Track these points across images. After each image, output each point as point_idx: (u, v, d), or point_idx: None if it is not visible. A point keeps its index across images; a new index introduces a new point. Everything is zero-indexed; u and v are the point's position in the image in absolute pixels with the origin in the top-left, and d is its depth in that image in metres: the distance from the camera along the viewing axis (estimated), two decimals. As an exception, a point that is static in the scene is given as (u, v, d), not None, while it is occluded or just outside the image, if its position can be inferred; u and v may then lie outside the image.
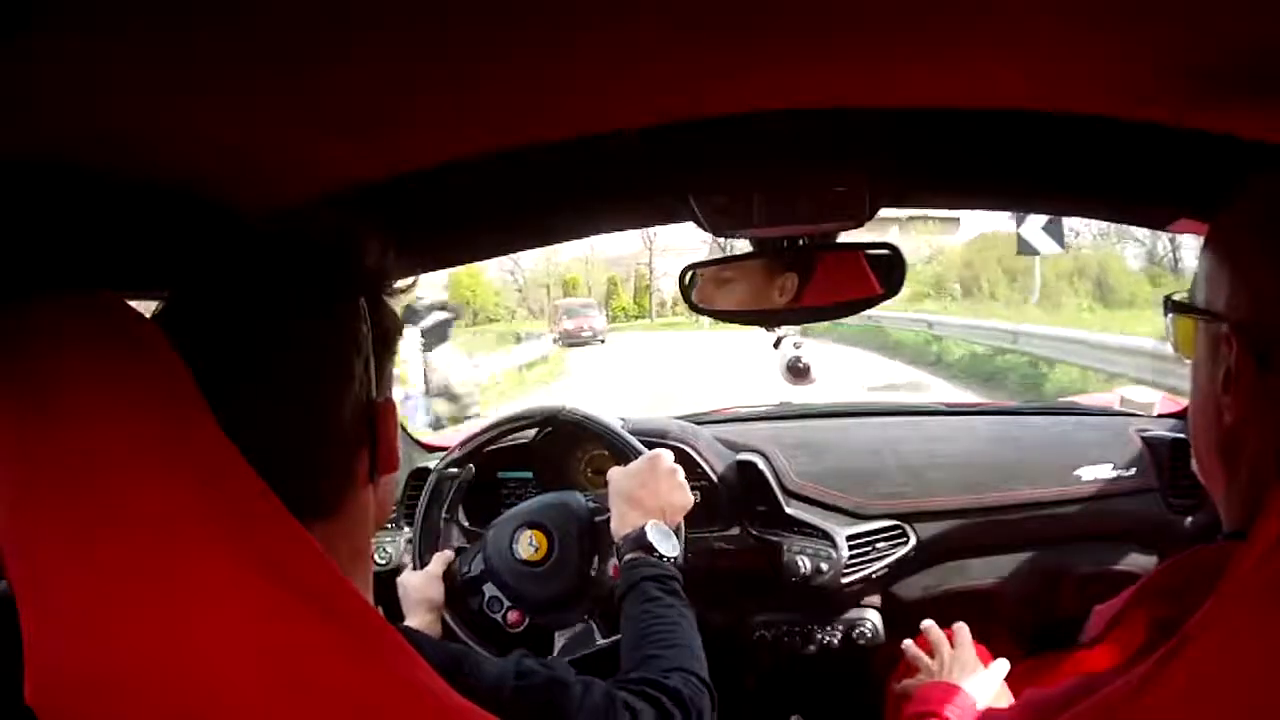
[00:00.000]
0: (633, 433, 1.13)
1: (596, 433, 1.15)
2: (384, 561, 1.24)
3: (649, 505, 0.90)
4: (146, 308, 0.40)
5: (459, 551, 1.12)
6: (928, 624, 0.96)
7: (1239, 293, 0.44)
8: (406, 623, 1.02)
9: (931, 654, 0.92)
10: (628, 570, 0.84)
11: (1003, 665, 0.89)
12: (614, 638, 0.93)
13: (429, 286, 6.53)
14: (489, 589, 1.04)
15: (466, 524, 1.21)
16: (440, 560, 1.07)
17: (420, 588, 1.06)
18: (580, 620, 1.03)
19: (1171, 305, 0.51)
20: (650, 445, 1.07)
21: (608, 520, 0.94)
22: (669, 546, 0.86)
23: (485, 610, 1.05)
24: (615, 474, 0.95)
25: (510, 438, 1.26)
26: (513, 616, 1.04)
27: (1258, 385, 0.43)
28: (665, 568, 0.83)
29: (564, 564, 1.00)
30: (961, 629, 0.94)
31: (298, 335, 0.44)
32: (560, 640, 1.05)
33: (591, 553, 1.01)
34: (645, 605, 0.78)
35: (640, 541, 0.85)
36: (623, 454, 1.08)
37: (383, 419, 0.48)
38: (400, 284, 0.50)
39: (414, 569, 1.11)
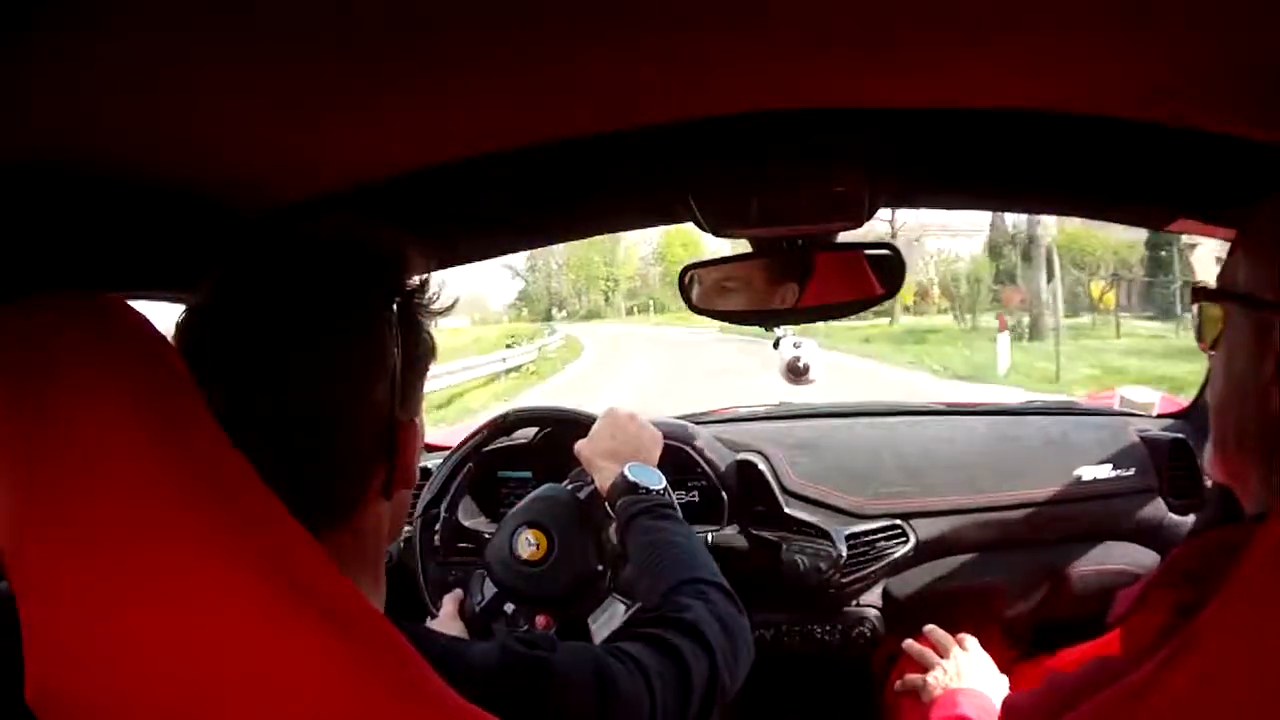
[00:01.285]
0: None
1: (574, 421, 1.14)
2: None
3: (623, 454, 0.89)
4: (147, 308, 0.40)
5: (465, 588, 1.11)
6: (930, 628, 0.96)
7: None
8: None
9: (936, 654, 0.93)
10: (620, 515, 0.83)
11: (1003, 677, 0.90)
12: (637, 605, 0.91)
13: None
14: (507, 608, 1.02)
15: (466, 524, 1.21)
16: (451, 600, 1.05)
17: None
18: (606, 595, 1.00)
19: (1203, 294, 0.51)
20: None
21: (594, 492, 0.93)
22: (652, 479, 0.86)
23: (511, 630, 1.02)
24: (580, 445, 0.94)
25: (510, 438, 1.26)
26: (540, 623, 1.01)
27: None
28: (653, 498, 0.83)
29: (568, 550, 0.98)
30: (968, 638, 0.94)
31: (320, 343, 0.43)
32: (594, 625, 1.01)
33: (590, 528, 1.00)
34: (643, 539, 0.78)
35: (623, 486, 0.85)
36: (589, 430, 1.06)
37: (405, 438, 0.47)
38: (439, 305, 0.49)
39: (431, 613, 1.09)
